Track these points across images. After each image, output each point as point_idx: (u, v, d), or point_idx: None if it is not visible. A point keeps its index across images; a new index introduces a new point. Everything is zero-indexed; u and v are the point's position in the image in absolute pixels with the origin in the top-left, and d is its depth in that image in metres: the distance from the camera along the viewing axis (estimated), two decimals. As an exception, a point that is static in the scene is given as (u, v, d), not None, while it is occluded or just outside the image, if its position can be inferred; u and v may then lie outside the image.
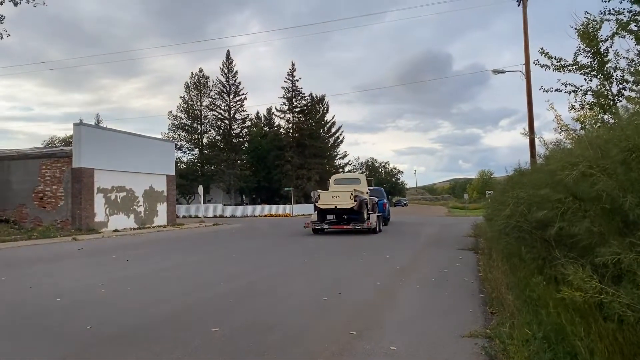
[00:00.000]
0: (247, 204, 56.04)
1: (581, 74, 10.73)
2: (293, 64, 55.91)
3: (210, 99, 56.36)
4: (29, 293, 7.26)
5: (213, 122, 56.81)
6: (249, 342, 4.39)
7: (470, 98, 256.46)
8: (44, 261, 11.74)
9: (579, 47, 10.63)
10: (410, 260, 10.44)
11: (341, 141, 62.87)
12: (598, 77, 10.48)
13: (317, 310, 5.72)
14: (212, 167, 54.66)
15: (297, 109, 55.77)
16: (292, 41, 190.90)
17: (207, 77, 56.52)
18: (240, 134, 58.42)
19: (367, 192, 20.16)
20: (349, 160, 70.99)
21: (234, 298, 6.55)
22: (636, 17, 9.46)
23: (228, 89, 56.14)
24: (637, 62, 9.54)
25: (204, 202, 40.08)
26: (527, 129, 17.06)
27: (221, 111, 56.51)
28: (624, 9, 9.61)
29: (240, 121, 57.75)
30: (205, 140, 57.09)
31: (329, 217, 19.36)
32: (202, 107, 56.45)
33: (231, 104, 56.49)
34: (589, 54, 10.54)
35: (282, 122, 57.93)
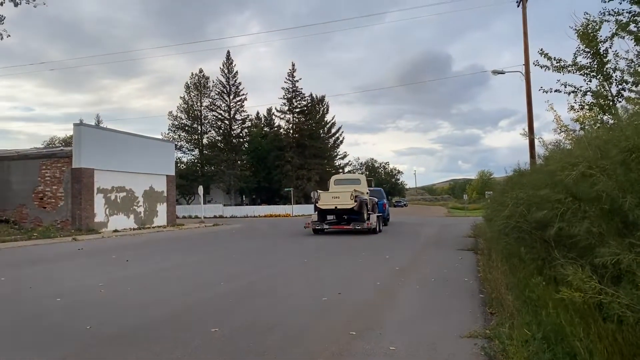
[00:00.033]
0: (247, 205, 56.04)
1: (581, 74, 10.76)
2: (293, 65, 56.11)
3: (210, 100, 56.45)
4: (28, 293, 7.26)
5: (213, 122, 56.86)
6: (248, 342, 4.40)
7: (470, 99, 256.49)
8: (44, 261, 11.74)
9: (579, 47, 10.65)
10: (410, 261, 10.45)
11: (341, 142, 62.97)
12: (597, 77, 10.49)
13: (317, 311, 5.72)
14: (212, 168, 54.67)
15: (297, 110, 55.79)
16: (292, 42, 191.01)
17: (207, 78, 56.63)
18: (241, 134, 58.43)
19: (367, 193, 20.20)
20: (349, 161, 71.09)
21: (233, 298, 6.55)
22: (635, 18, 9.47)
23: (228, 89, 56.16)
24: (636, 63, 9.56)
25: (204, 203, 40.08)
26: (526, 129, 17.06)
27: (221, 111, 56.56)
28: (623, 10, 9.64)
29: (240, 121, 57.79)
30: (205, 141, 57.12)
31: (329, 217, 19.40)
32: (202, 108, 56.50)
33: (231, 104, 56.51)
34: (589, 54, 10.56)
35: (282, 123, 58.04)
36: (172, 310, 5.88)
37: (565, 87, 10.87)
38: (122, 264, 10.66)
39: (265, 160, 55.78)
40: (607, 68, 10.30)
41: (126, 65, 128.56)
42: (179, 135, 56.03)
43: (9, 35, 20.08)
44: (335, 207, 18.13)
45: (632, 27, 9.47)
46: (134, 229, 24.23)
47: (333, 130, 61.57)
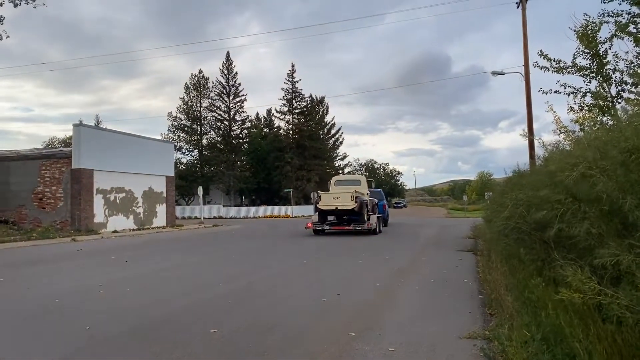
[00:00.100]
0: (246, 205, 56.06)
1: (580, 75, 10.77)
2: (293, 66, 56.06)
3: (210, 100, 56.48)
4: (27, 294, 7.25)
5: (213, 123, 56.89)
6: (248, 343, 4.39)
7: (470, 100, 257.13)
8: (43, 262, 11.72)
9: (578, 48, 10.66)
10: (410, 262, 10.45)
11: (341, 142, 63.05)
12: (597, 78, 10.50)
13: (317, 311, 5.72)
14: (212, 168, 54.68)
15: (297, 110, 55.79)
16: (292, 42, 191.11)
17: (207, 78, 56.69)
18: (240, 135, 58.44)
19: (367, 194, 20.22)
20: (349, 162, 71.22)
21: (233, 299, 6.55)
22: (635, 19, 9.49)
23: (228, 90, 56.17)
24: (636, 64, 9.56)
25: (204, 203, 40.07)
26: (526, 130, 17.05)
27: (221, 112, 56.58)
28: (622, 11, 9.66)
29: (240, 122, 57.82)
30: (204, 142, 57.12)
31: (330, 218, 19.42)
32: (202, 108, 56.52)
33: (231, 105, 56.54)
34: (588, 55, 10.57)
35: (282, 124, 58.09)
36: (171, 311, 5.87)
37: (565, 88, 10.89)
38: (121, 265, 10.65)
39: (264, 161, 55.77)
40: (606, 69, 10.31)
41: (126, 66, 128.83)
42: (179, 136, 56.11)
43: (8, 36, 20.19)
44: (336, 208, 18.17)
45: (631, 28, 9.48)
46: (133, 230, 24.21)
47: (333, 131, 61.64)
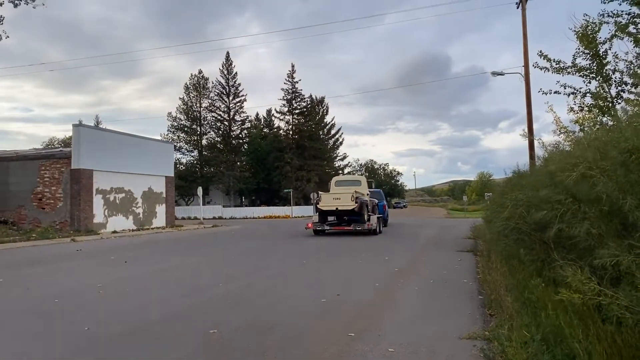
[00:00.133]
0: (246, 206, 56.05)
1: (580, 76, 10.77)
2: (293, 66, 56.09)
3: (209, 101, 56.47)
4: (27, 294, 7.24)
5: (212, 123, 56.87)
6: (248, 343, 4.39)
7: (470, 100, 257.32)
8: (42, 262, 11.72)
9: (578, 49, 10.67)
10: (409, 262, 10.45)
11: (341, 143, 63.06)
12: (597, 79, 10.50)
13: (317, 311, 5.72)
14: (212, 169, 54.68)
15: (297, 111, 55.80)
16: (291, 43, 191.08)
17: (207, 79, 56.71)
18: (240, 135, 58.44)
19: (367, 194, 20.23)
20: (349, 162, 71.21)
21: (233, 299, 6.54)
22: (635, 19, 9.49)
23: (228, 90, 56.17)
24: (635, 64, 9.56)
25: (203, 204, 40.06)
26: (526, 130, 17.05)
27: (221, 112, 56.57)
28: (622, 12, 9.66)
29: (239, 123, 57.81)
30: (204, 142, 57.13)
31: (330, 218, 19.43)
32: (202, 109, 56.52)
33: (231, 105, 56.54)
34: (588, 56, 10.58)
35: (282, 124, 58.11)
36: (171, 311, 5.86)
37: (565, 88, 10.90)
38: (120, 265, 10.64)
39: (264, 161, 55.76)
40: (606, 69, 10.32)
41: (126, 66, 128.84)
42: (178, 136, 56.11)
43: (8, 37, 20.20)
44: (336, 208, 18.18)
45: (631, 28, 9.48)
46: (132, 230, 24.20)
47: (333, 132, 61.65)
